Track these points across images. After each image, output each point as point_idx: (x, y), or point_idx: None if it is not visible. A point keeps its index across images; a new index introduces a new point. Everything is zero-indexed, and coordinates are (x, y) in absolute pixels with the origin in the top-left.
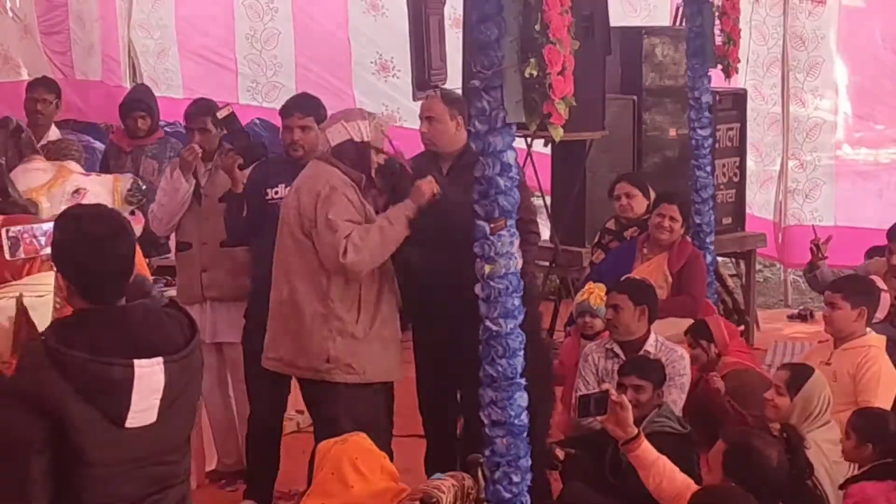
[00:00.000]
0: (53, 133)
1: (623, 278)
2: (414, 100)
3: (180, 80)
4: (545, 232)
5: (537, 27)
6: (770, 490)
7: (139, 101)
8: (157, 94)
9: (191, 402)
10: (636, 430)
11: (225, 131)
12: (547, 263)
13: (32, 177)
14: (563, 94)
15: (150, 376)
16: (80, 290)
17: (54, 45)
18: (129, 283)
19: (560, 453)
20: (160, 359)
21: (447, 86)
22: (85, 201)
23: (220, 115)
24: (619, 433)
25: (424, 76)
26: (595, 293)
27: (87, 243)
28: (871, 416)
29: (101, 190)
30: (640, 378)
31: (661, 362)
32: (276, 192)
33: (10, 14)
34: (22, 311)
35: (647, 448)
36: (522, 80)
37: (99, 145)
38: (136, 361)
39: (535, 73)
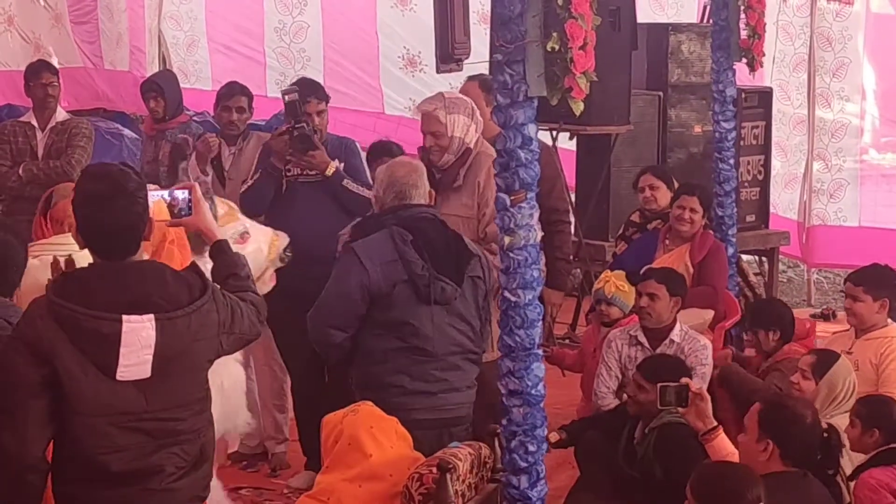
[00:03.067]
0: (60, 114)
1: (645, 268)
2: (438, 72)
3: (209, 72)
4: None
5: (559, 2)
6: (803, 447)
7: (150, 83)
8: (186, 85)
9: (197, 362)
10: (714, 423)
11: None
12: (571, 257)
13: None
14: (584, 68)
15: (138, 331)
16: (89, 245)
17: (83, 35)
18: (139, 241)
19: (553, 437)
20: (151, 315)
21: (469, 61)
22: (248, 247)
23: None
24: (699, 425)
25: (448, 49)
26: (611, 281)
27: (88, 201)
28: (874, 402)
29: (261, 239)
30: (645, 380)
31: (683, 366)
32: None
33: (42, 3)
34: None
35: (723, 440)
36: (544, 55)
37: (128, 132)
38: (124, 317)
39: (556, 47)
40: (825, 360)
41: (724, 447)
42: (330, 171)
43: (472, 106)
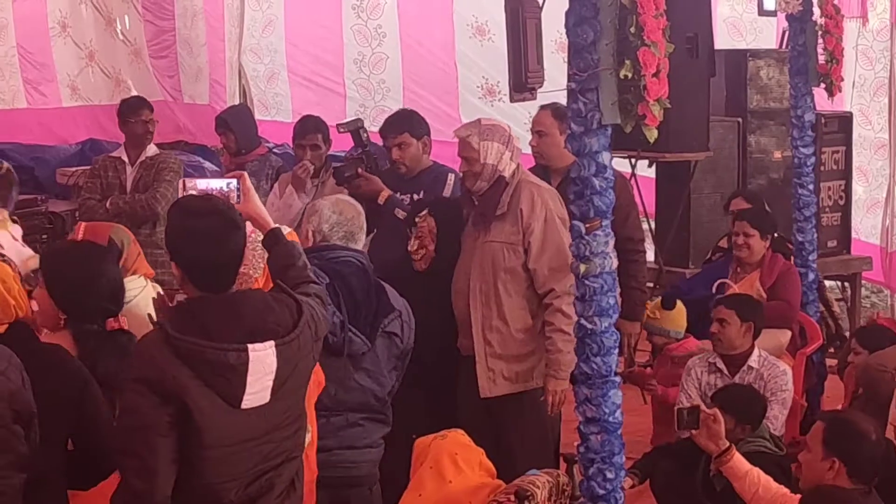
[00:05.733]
0: (151, 149)
1: (726, 294)
2: (511, 101)
3: (290, 104)
4: (649, 253)
5: (632, 30)
6: (869, 464)
7: (219, 119)
8: (266, 117)
9: (301, 380)
10: (727, 443)
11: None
12: (651, 284)
13: None
14: (658, 95)
15: (263, 359)
16: (195, 280)
17: (163, 69)
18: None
19: (627, 483)
20: (272, 342)
21: (545, 89)
22: None
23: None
24: (711, 447)
25: (521, 78)
26: (645, 310)
27: (202, 237)
28: None
29: None
30: (722, 410)
31: (758, 398)
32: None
33: (121, 37)
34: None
35: (738, 460)
36: (618, 82)
37: (209, 165)
38: (249, 346)
39: (629, 74)
40: None
41: (741, 467)
42: (381, 199)
43: (508, 134)
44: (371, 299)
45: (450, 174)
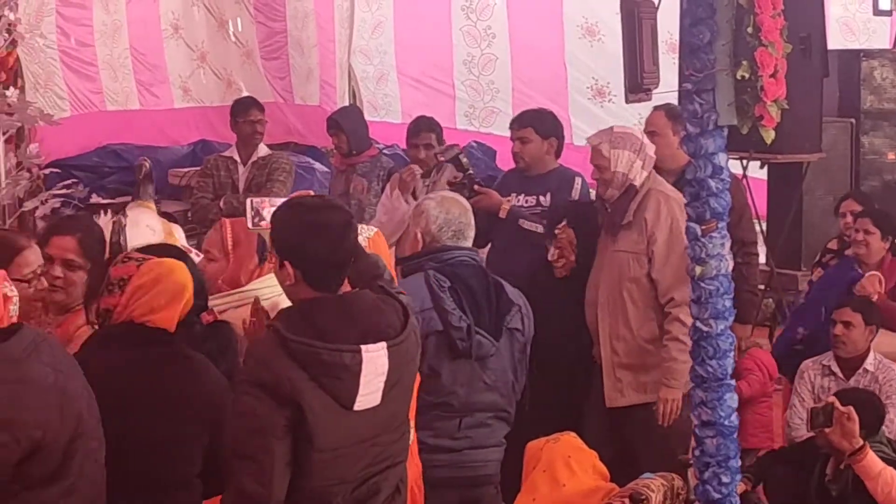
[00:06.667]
0: (262, 149)
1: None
2: (626, 102)
3: (399, 105)
4: (761, 255)
5: (749, 30)
6: None
7: (330, 120)
8: (375, 118)
9: (409, 384)
10: (861, 442)
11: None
12: (763, 287)
13: (143, 234)
14: (775, 96)
15: (375, 360)
16: (312, 280)
17: (274, 71)
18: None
19: (740, 488)
20: (384, 343)
21: (657, 90)
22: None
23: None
24: (845, 444)
25: (637, 79)
26: None
27: (325, 232)
28: None
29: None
30: None
31: (877, 402)
32: (509, 201)
33: (233, 39)
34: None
35: (872, 458)
36: (734, 83)
37: (319, 166)
38: (363, 347)
39: (746, 75)
40: None
41: (874, 466)
42: (503, 213)
43: (640, 142)
44: (492, 298)
45: (576, 178)
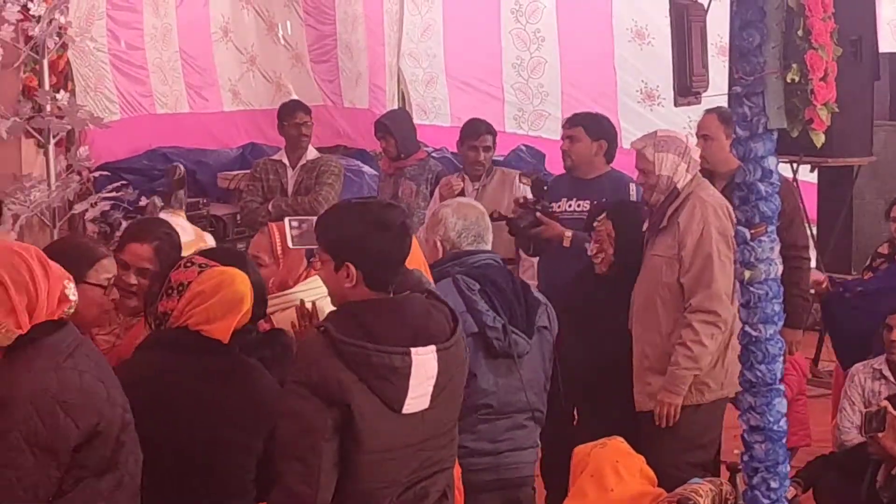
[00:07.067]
0: (311, 152)
1: None
2: (676, 106)
3: (448, 108)
4: (812, 260)
5: (799, 33)
6: None
7: (378, 123)
8: (425, 122)
9: (458, 389)
10: None
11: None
12: (813, 291)
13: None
14: (826, 99)
15: (425, 363)
16: (372, 280)
17: (323, 74)
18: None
19: (790, 492)
20: (433, 346)
21: (707, 94)
22: None
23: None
24: None
25: (686, 83)
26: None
27: (386, 232)
28: None
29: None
30: None
31: None
32: (559, 206)
33: (283, 42)
34: (308, 314)
35: None
36: (784, 86)
37: (368, 169)
38: (412, 349)
39: (796, 78)
40: None
41: None
42: (567, 242)
43: (685, 145)
44: (520, 297)
45: (630, 183)
